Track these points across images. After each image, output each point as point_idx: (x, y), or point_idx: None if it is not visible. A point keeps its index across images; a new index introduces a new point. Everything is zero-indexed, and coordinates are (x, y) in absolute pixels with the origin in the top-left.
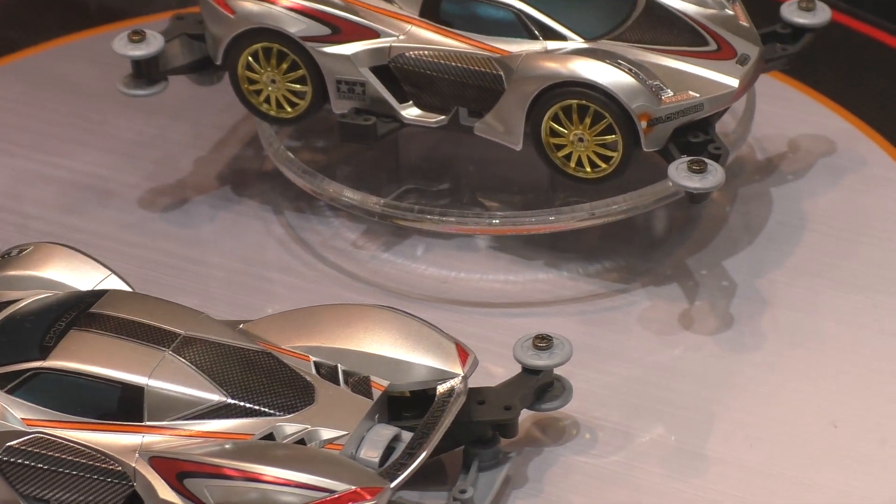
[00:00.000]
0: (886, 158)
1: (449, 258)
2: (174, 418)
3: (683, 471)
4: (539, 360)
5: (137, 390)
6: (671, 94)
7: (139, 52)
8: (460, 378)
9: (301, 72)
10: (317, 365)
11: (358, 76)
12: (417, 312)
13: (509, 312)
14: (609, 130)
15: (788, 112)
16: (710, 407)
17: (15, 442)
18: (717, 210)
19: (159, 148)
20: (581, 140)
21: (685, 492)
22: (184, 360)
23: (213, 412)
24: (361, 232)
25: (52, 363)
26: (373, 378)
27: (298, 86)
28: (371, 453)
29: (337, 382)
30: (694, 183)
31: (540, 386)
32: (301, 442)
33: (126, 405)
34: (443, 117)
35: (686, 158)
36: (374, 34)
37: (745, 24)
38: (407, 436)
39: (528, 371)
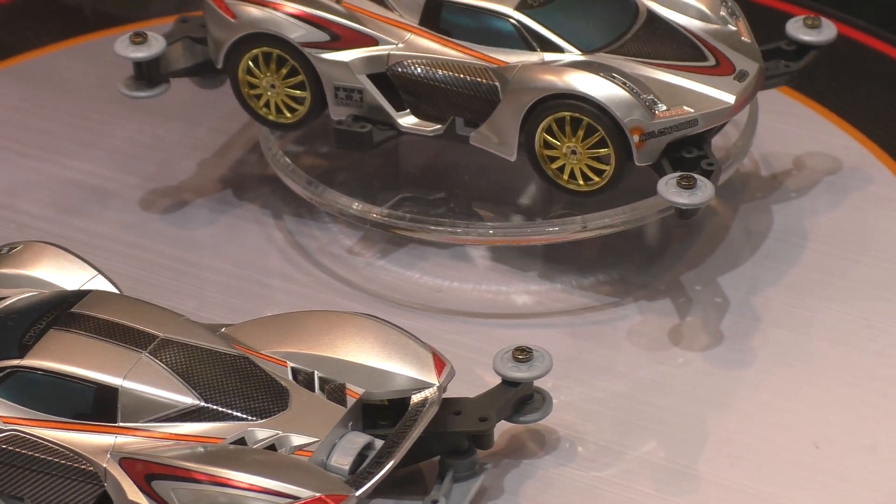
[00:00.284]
0: (891, 177)
1: (444, 267)
2: (147, 420)
3: (662, 488)
4: (518, 373)
5: (112, 391)
6: (665, 108)
7: (140, 53)
8: (435, 388)
9: (300, 77)
10: (294, 371)
11: (356, 83)
12: (409, 321)
13: (501, 323)
14: (602, 144)
15: (795, 129)
16: (693, 424)
17: None
18: (717, 226)
19: (163, 150)
20: (574, 152)
21: None
22: (159, 363)
23: (185, 415)
24: (358, 238)
25: (29, 362)
26: (348, 386)
27: (298, 91)
28: (342, 461)
29: (313, 389)
30: (682, 199)
31: (520, 398)
32: (272, 447)
33: (100, 406)
34: (439, 126)
35: (676, 174)
36: (373, 42)
37: (746, 39)
38: (380, 444)
39: (508, 383)
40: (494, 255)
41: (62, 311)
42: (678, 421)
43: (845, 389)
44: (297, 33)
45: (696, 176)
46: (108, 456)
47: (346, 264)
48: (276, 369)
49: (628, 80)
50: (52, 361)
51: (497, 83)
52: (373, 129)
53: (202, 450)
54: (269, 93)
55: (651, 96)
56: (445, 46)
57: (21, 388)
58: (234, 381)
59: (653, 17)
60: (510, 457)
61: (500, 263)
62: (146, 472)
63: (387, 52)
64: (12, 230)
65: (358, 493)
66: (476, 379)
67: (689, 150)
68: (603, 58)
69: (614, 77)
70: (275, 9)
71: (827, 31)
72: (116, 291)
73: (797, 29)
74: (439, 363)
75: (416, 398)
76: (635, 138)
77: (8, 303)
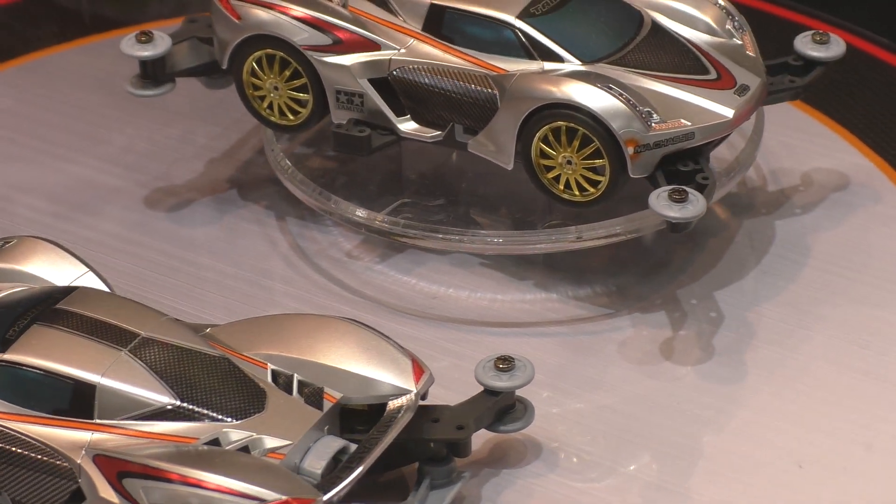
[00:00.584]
0: None
1: (441, 273)
2: (124, 417)
3: (638, 502)
4: (499, 382)
5: (89, 388)
6: (662, 121)
7: (146, 52)
8: (413, 394)
9: (303, 80)
10: (274, 373)
11: (357, 87)
12: (403, 327)
13: (493, 331)
14: (597, 154)
15: (809, 145)
16: (678, 440)
17: None
18: (721, 240)
19: (175, 150)
20: (569, 163)
21: None
22: (138, 361)
23: (161, 414)
24: (358, 242)
25: (9, 356)
26: (326, 390)
27: (300, 94)
28: (315, 464)
29: (291, 392)
30: (673, 212)
31: (502, 407)
32: (245, 449)
33: (78, 402)
34: (438, 133)
35: (668, 187)
36: (375, 46)
37: (751, 54)
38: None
39: (489, 392)
40: (492, 261)
41: (47, 306)
42: (663, 436)
43: (834, 410)
44: (300, 36)
45: (687, 189)
46: (83, 452)
47: (344, 268)
48: (255, 371)
49: (625, 92)
50: (32, 357)
51: (496, 91)
52: (371, 133)
53: (175, 449)
54: (272, 95)
55: (648, 108)
56: (447, 53)
57: (1, 382)
58: (212, 381)
59: (657, 28)
60: (491, 465)
61: (497, 271)
62: (118, 469)
63: (388, 57)
64: (16, 224)
65: (326, 498)
66: (464, 387)
67: (685, 163)
68: (603, 68)
69: (611, 88)
70: (279, 11)
71: (835, 47)
72: (104, 289)
73: (805, 44)
74: (418, 370)
75: (392, 404)
76: (630, 150)
77: None
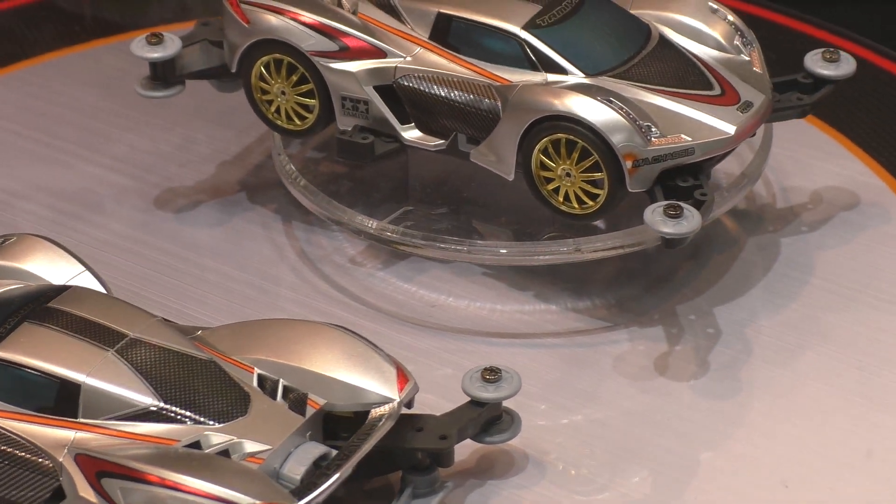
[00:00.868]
0: None
1: (442, 281)
2: (107, 417)
3: None
4: (485, 393)
5: (74, 387)
6: (661, 135)
7: (155, 54)
8: (395, 403)
9: (310, 85)
10: (261, 378)
11: (362, 94)
12: (402, 335)
13: (490, 341)
14: (596, 168)
15: (822, 163)
16: (666, 456)
17: None
18: (726, 257)
19: (188, 151)
20: (568, 175)
21: None
22: (124, 362)
23: (144, 415)
24: (362, 248)
25: None
26: (310, 396)
27: (307, 99)
28: (295, 469)
29: (276, 397)
30: (667, 228)
31: (488, 418)
32: (225, 452)
33: (63, 401)
34: (441, 142)
35: (664, 202)
36: (382, 54)
37: (758, 70)
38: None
39: (475, 403)
40: (494, 271)
41: (38, 305)
42: (651, 452)
43: (824, 431)
44: (307, 42)
45: (683, 205)
46: (66, 451)
47: (346, 274)
48: (242, 375)
49: (626, 106)
50: (20, 354)
51: (499, 101)
52: (375, 140)
53: (154, 451)
54: (279, 99)
55: (648, 122)
56: (452, 62)
57: None
58: (197, 384)
59: (664, 42)
60: (477, 476)
61: (499, 280)
62: (97, 469)
63: (394, 65)
64: (25, 221)
65: (301, 503)
66: (457, 396)
67: (685, 178)
68: (605, 81)
69: (611, 102)
70: (288, 17)
71: (845, 65)
72: (100, 288)
73: (815, 62)
74: (402, 379)
75: (375, 412)
76: (628, 164)
77: None
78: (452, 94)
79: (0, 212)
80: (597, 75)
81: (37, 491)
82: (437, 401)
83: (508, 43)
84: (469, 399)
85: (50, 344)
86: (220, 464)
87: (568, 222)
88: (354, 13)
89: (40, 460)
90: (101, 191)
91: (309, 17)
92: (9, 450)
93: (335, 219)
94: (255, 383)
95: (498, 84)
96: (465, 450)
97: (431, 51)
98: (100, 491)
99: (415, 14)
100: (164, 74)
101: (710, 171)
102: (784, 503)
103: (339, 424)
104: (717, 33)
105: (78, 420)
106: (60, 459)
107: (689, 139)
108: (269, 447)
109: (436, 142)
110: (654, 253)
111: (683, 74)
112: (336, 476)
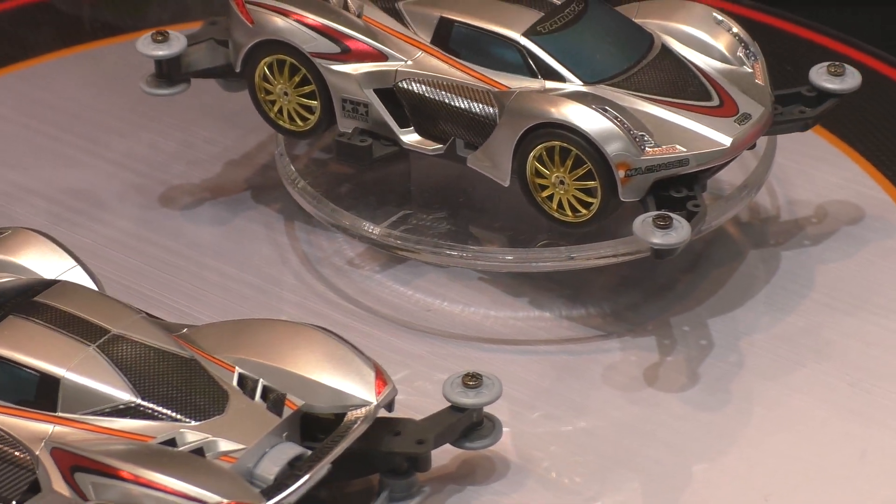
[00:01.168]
0: None
1: (438, 286)
2: (85, 412)
3: None
4: (465, 399)
5: (54, 381)
6: (656, 145)
7: (160, 52)
8: (372, 406)
9: (312, 87)
10: (242, 377)
11: (362, 97)
12: (394, 338)
13: (482, 347)
14: (590, 176)
15: (829, 176)
16: (651, 467)
17: None
18: (725, 269)
19: (197, 149)
20: (562, 182)
21: None
22: (105, 358)
23: (121, 411)
24: (361, 251)
25: None
26: (289, 396)
27: (309, 101)
28: (268, 469)
29: (255, 396)
30: (656, 238)
31: (469, 424)
32: (199, 450)
33: (42, 394)
34: (440, 146)
35: (654, 212)
36: (383, 57)
37: (760, 82)
38: None
39: (455, 408)
40: (490, 276)
41: (25, 298)
42: (640, 463)
43: (810, 446)
44: (309, 43)
45: (672, 216)
46: (43, 445)
47: (344, 276)
48: (222, 374)
49: (620, 115)
50: (2, 347)
51: (496, 107)
52: (373, 143)
53: (128, 447)
54: (282, 100)
55: (643, 132)
56: (452, 67)
57: None
58: (176, 381)
59: (665, 52)
60: (457, 481)
61: (493, 286)
62: (71, 463)
63: (394, 69)
64: (41, 215)
65: (269, 503)
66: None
67: (678, 189)
68: (603, 90)
69: (606, 110)
70: (292, 18)
71: (850, 79)
72: (88, 283)
73: (819, 76)
74: (381, 381)
75: (351, 414)
76: (621, 173)
77: None
78: (451, 99)
79: (5, 205)
80: (595, 83)
81: (14, 483)
82: (429, 405)
83: (508, 49)
84: (449, 404)
85: (33, 338)
86: (191, 462)
87: (562, 230)
88: (359, 16)
89: (17, 453)
90: (105, 187)
91: (313, 18)
92: None
93: (332, 221)
94: (235, 382)
95: (496, 90)
96: (446, 455)
97: (432, 55)
98: (73, 485)
99: (418, 18)
100: (169, 72)
101: (705, 183)
102: None
103: (318, 426)
104: (720, 44)
105: (56, 414)
106: (37, 453)
107: (684, 150)
108: (244, 446)
109: (434, 146)
110: (656, 262)
111: (682, 84)
112: (307, 477)
